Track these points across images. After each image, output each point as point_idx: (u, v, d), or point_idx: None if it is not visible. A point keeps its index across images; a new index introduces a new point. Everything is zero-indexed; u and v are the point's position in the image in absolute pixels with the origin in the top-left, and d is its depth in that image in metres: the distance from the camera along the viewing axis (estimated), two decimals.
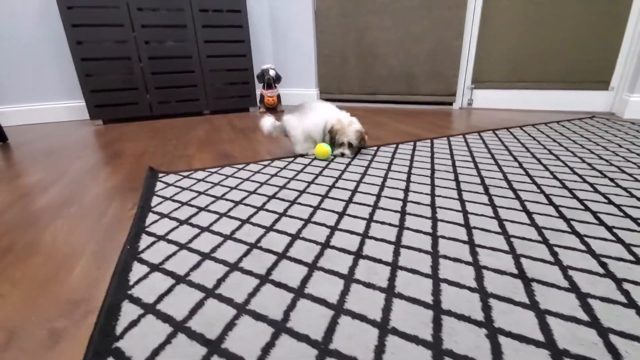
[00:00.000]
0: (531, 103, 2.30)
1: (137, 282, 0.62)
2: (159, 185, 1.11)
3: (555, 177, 1.05)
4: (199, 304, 0.55)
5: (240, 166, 1.28)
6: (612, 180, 1.01)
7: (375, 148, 1.46)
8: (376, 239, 0.73)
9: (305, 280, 0.60)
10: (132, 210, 0.95)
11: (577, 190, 0.95)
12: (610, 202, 0.86)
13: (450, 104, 2.51)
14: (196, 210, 0.92)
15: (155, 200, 0.99)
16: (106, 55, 2.25)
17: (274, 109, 2.66)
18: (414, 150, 1.41)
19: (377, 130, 1.88)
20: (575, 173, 1.08)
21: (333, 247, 0.70)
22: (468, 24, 2.31)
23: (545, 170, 1.11)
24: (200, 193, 1.03)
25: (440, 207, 0.87)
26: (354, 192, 1.00)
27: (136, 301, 0.57)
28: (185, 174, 1.21)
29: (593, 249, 0.66)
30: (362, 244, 0.71)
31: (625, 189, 0.94)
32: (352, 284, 0.59)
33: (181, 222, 0.85)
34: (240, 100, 2.70)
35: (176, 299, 0.57)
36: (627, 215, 0.79)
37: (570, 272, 0.59)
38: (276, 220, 0.84)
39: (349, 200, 0.93)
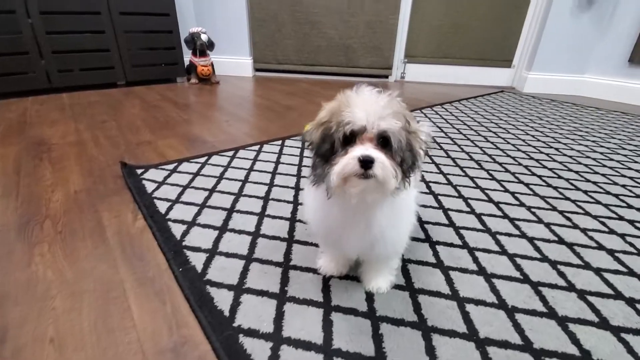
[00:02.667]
0: (451, 77, 2.60)
1: (232, 312, 0.54)
2: (148, 185, 0.92)
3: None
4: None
5: (229, 154, 1.14)
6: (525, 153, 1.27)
7: None
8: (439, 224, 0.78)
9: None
10: (138, 222, 0.78)
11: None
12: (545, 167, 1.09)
13: (387, 76, 2.65)
14: (224, 211, 0.81)
15: (160, 205, 0.83)
16: None
17: (208, 79, 2.38)
18: None
19: None
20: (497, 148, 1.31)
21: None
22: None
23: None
24: (210, 190, 0.90)
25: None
26: None
27: (253, 334, 0.50)
28: (169, 167, 1.03)
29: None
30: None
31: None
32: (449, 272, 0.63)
33: (220, 230, 0.74)
34: (165, 69, 2.32)
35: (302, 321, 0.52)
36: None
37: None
38: None
39: None
